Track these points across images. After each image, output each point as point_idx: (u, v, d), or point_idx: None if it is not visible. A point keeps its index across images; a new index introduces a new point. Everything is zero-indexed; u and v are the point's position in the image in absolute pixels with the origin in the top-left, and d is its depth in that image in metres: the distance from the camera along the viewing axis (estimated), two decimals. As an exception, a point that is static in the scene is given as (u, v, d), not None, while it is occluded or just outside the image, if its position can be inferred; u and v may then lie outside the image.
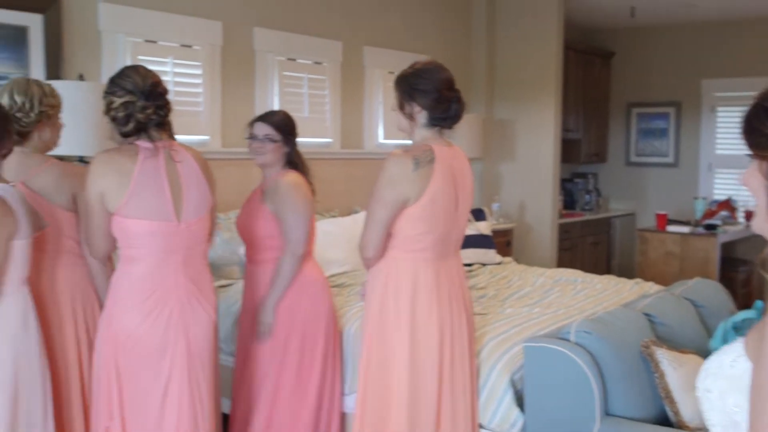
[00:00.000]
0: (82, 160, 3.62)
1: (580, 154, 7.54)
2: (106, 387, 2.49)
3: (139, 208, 2.43)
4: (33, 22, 3.69)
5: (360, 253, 2.83)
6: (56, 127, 2.78)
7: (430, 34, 6.07)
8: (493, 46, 6.52)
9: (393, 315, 2.77)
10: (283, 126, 3.14)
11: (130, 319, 2.47)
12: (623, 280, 4.44)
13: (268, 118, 3.17)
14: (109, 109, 2.48)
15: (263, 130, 3.12)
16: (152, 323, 2.47)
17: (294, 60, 4.96)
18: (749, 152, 1.17)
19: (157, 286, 2.49)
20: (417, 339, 2.76)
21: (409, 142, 2.88)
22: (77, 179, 2.65)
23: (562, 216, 6.82)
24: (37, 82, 2.74)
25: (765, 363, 1.01)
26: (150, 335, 2.48)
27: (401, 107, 2.81)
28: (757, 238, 5.10)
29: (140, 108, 2.45)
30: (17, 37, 3.65)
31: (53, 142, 2.79)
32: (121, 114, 2.45)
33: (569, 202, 7.61)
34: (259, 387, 3.09)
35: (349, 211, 5.00)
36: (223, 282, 3.93)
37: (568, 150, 7.20)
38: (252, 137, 3.14)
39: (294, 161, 3.18)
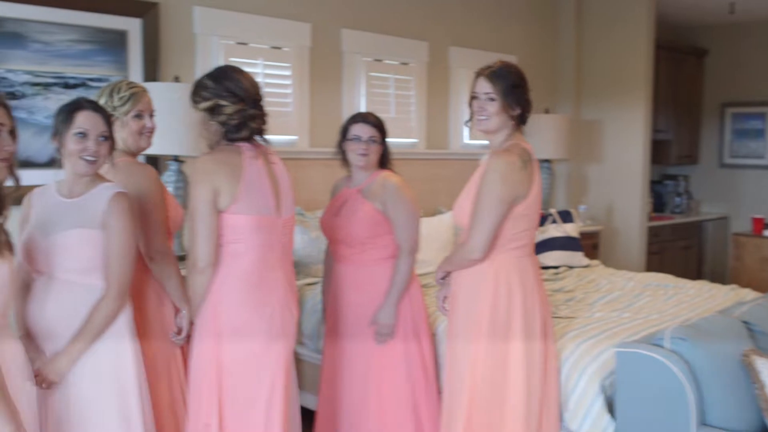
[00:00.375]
0: (177, 160, 3.74)
1: (670, 156, 7.33)
2: (207, 384, 2.52)
3: (248, 204, 2.51)
4: (132, 27, 3.83)
5: (466, 255, 2.78)
6: (127, 130, 2.70)
7: (516, 33, 6.00)
8: (581, 45, 6.40)
9: (505, 317, 2.76)
10: (382, 127, 3.20)
11: (238, 315, 2.53)
12: (717, 286, 4.29)
13: (368, 119, 3.19)
14: (219, 113, 2.54)
15: (368, 131, 3.15)
16: (258, 318, 2.54)
17: (381, 61, 4.99)
18: None
19: (262, 280, 2.56)
20: (530, 340, 2.78)
21: (486, 142, 2.92)
22: (138, 179, 2.66)
23: (651, 219, 6.64)
24: (111, 85, 2.76)
25: None
26: (257, 330, 2.53)
27: (505, 107, 2.79)
28: None
29: (252, 116, 2.55)
30: (117, 41, 3.79)
31: (133, 145, 2.73)
32: (234, 121, 2.53)
33: (658, 204, 7.40)
34: (356, 386, 3.10)
35: (433, 212, 5.00)
36: (310, 280, 3.98)
37: (658, 151, 7.00)
38: (355, 139, 3.15)
39: (386, 161, 3.23)
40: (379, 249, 3.12)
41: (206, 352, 2.53)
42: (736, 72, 7.50)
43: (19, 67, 3.49)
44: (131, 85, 2.75)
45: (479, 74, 2.85)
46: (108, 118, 2.46)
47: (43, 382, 2.30)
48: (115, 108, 2.64)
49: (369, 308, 3.11)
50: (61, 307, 2.35)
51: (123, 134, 2.67)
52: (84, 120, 2.38)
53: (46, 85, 3.57)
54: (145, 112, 2.75)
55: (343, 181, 3.29)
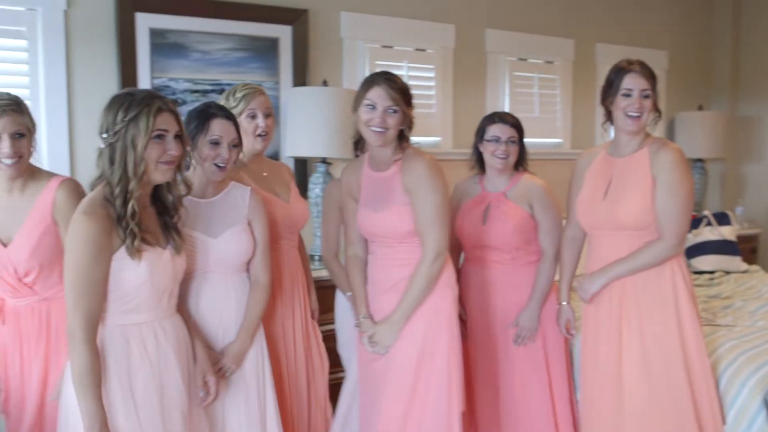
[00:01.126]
0: (325, 162, 3.85)
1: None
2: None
3: None
4: (283, 34, 3.98)
5: (665, 252, 2.68)
6: (242, 130, 2.74)
7: (666, 26, 5.75)
8: (738, 36, 6.04)
9: (692, 319, 2.72)
10: (520, 126, 3.10)
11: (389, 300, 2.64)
12: None
13: (506, 119, 3.09)
14: (411, 123, 2.68)
15: (507, 132, 3.05)
16: None
17: (525, 60, 4.93)
18: None
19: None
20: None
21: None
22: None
23: (818, 222, 6.17)
24: (231, 89, 2.88)
25: None
26: None
27: (655, 104, 2.78)
28: None
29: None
30: (269, 48, 3.95)
31: (248, 146, 2.79)
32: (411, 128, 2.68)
33: (825, 206, 6.87)
34: (518, 389, 3.05)
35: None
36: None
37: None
38: (494, 140, 3.05)
39: (523, 162, 3.14)
40: (530, 254, 3.07)
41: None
42: None
43: (180, 75, 3.71)
44: (246, 87, 2.86)
45: (629, 70, 2.76)
46: (237, 125, 2.57)
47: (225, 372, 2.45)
48: (231, 109, 2.72)
49: (514, 312, 3.05)
50: (216, 300, 2.48)
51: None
52: (218, 128, 2.49)
53: (204, 92, 3.78)
54: (258, 111, 2.82)
55: (472, 183, 3.18)
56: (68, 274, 2.00)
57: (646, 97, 2.74)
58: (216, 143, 2.48)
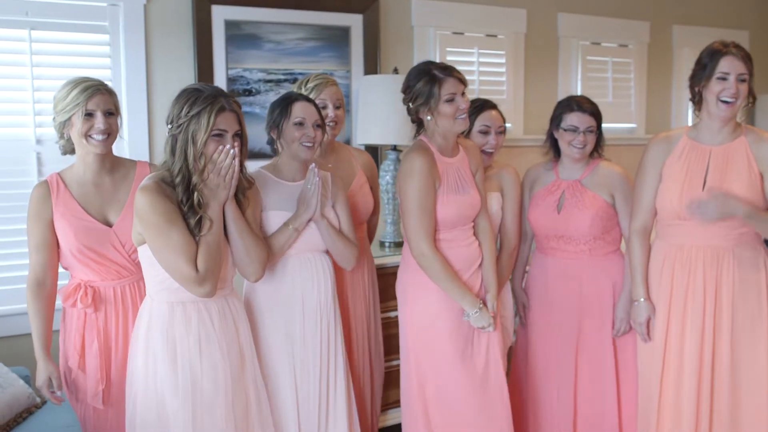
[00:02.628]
0: (396, 149, 3.89)
1: None
2: None
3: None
4: (354, 22, 4.02)
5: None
6: None
7: (747, 5, 5.55)
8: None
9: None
10: (598, 114, 3.01)
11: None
12: None
13: (584, 107, 2.98)
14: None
15: (586, 121, 2.96)
16: None
17: (598, 44, 4.85)
18: None
19: None
20: None
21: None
22: None
23: None
24: (302, 79, 3.00)
25: None
26: None
27: (751, 89, 2.72)
28: None
29: None
30: (340, 37, 4.00)
31: None
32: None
33: None
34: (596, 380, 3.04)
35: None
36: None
37: None
38: (572, 129, 2.96)
39: (599, 148, 3.06)
40: (608, 243, 3.02)
41: None
42: None
43: (254, 65, 3.80)
44: (318, 77, 2.95)
45: (726, 52, 2.66)
46: (317, 107, 2.67)
47: None
48: None
49: (600, 303, 3.00)
50: (304, 279, 2.62)
51: None
52: (300, 110, 2.60)
53: (278, 82, 3.86)
54: (328, 101, 2.91)
55: (545, 170, 3.12)
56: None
57: (743, 81, 2.66)
58: (300, 124, 2.59)
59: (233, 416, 2.32)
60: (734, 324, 2.70)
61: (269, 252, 2.50)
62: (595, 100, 3.08)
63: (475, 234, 2.84)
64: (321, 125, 2.65)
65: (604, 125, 3.06)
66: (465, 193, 2.74)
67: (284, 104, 2.62)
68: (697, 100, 2.76)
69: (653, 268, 2.85)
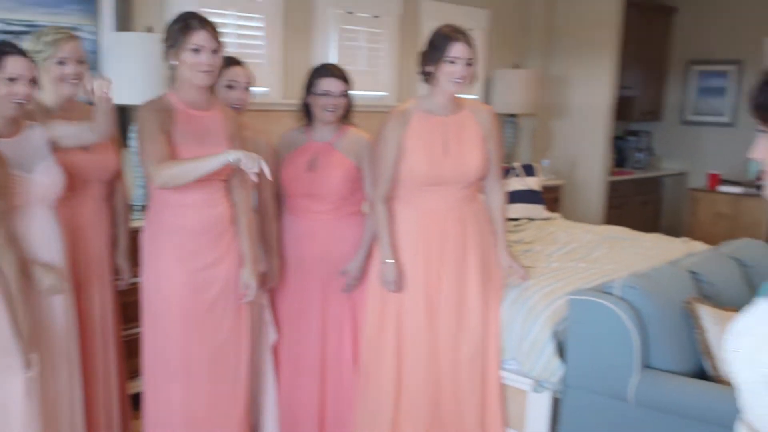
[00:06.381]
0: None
1: (634, 112, 7.48)
2: None
3: None
4: (104, -26, 3.83)
5: (504, 198, 3.27)
6: (49, 76, 2.74)
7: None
8: (553, 1, 6.49)
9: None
10: (349, 80, 3.18)
11: None
12: (671, 238, 4.50)
13: (336, 73, 3.14)
14: None
15: (338, 86, 3.11)
16: None
17: (352, 13, 5.04)
18: (761, 128, 1.23)
19: None
20: None
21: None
22: None
23: (612, 174, 6.83)
24: (39, 31, 2.81)
25: None
26: None
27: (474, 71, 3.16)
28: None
29: None
30: (88, -11, 3.80)
31: (54, 92, 2.78)
32: None
33: (620, 160, 7.58)
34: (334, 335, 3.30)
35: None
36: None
37: (623, 107, 7.14)
38: (325, 94, 3.11)
39: (349, 114, 3.23)
40: (353, 204, 3.22)
41: None
42: (703, 30, 7.63)
43: (-9, 14, 3.51)
44: (57, 31, 2.79)
45: (456, 39, 2.93)
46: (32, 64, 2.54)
47: None
48: (38, 52, 2.68)
49: (343, 262, 3.20)
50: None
51: (44, 80, 2.70)
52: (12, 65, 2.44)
53: (17, 34, 3.59)
54: (68, 57, 2.76)
55: (299, 134, 3.25)
56: None
57: (470, 65, 2.96)
58: (12, 80, 2.44)
59: None
60: (481, 276, 3.11)
61: None
62: (349, 68, 3.27)
63: (228, 197, 2.86)
64: (33, 81, 2.51)
65: (358, 92, 3.25)
66: (210, 146, 2.71)
67: None
68: (427, 77, 3.04)
69: (406, 231, 3.10)
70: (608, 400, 2.90)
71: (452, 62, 2.93)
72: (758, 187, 5.31)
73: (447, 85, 2.97)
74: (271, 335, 3.19)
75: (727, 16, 7.45)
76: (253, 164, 2.56)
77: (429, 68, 2.99)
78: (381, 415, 3.10)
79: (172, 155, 2.64)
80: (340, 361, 3.25)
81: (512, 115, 6.00)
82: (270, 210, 3.15)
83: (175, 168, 2.59)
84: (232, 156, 2.58)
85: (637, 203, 7.22)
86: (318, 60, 4.70)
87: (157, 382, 2.79)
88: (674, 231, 7.06)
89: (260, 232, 3.11)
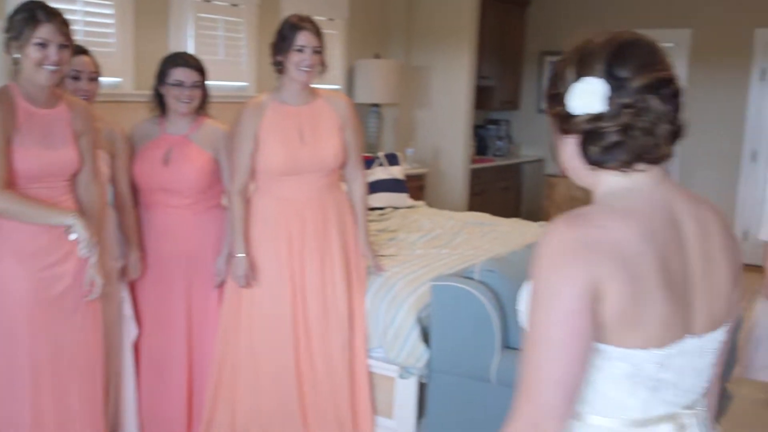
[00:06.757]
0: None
1: (493, 101, 7.72)
2: None
3: None
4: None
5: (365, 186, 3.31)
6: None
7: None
8: (411, -8, 6.58)
9: None
10: (203, 70, 3.10)
11: None
12: (529, 223, 4.68)
13: (190, 62, 3.07)
14: None
15: (191, 76, 3.04)
16: None
17: (209, 1, 4.90)
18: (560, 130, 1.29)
19: None
20: None
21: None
22: None
23: (474, 161, 7.02)
24: None
25: (534, 276, 1.18)
26: None
27: (323, 59, 3.17)
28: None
29: None
30: None
31: None
32: None
33: (481, 148, 7.81)
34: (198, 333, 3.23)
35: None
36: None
37: (483, 97, 7.36)
38: (178, 84, 3.03)
39: (204, 105, 3.16)
40: (211, 198, 3.14)
41: None
42: (555, 22, 7.96)
43: None
44: None
45: (302, 27, 2.96)
46: None
47: None
48: None
49: (205, 257, 3.12)
50: None
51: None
52: None
53: None
54: None
55: (152, 125, 3.14)
56: None
57: (317, 53, 2.97)
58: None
59: None
60: (345, 264, 3.13)
61: None
62: (207, 57, 3.19)
63: (72, 194, 2.67)
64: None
65: (216, 83, 3.18)
66: (53, 148, 2.56)
67: None
68: (279, 67, 3.03)
69: (265, 221, 3.06)
70: (472, 381, 2.98)
71: (300, 51, 2.95)
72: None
73: (296, 74, 2.98)
74: (131, 331, 3.07)
75: (575, 9, 7.81)
76: (85, 249, 2.50)
77: (279, 58, 3.00)
78: (235, 406, 3.08)
79: (12, 160, 2.44)
80: (207, 356, 3.16)
81: (375, 105, 6.04)
82: (127, 203, 3.03)
83: (10, 204, 2.42)
84: (69, 221, 2.48)
85: (498, 189, 7.46)
86: (175, 49, 4.55)
87: (2, 382, 2.61)
88: (533, 215, 7.37)
89: (118, 226, 2.99)
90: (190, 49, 4.69)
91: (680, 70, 7.37)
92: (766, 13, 6.92)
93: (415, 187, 5.86)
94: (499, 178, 7.49)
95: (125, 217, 3.02)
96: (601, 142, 1.19)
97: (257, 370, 3.08)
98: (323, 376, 3.08)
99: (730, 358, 3.81)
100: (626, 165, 1.20)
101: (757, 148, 7.16)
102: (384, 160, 5.20)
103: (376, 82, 5.89)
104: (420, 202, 5.29)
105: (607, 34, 1.27)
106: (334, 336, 3.08)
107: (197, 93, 3.07)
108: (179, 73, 3.02)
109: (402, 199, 5.04)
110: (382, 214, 4.73)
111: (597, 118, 1.19)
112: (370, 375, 3.21)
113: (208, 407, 3.12)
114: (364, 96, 5.90)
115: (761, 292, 3.16)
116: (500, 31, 7.54)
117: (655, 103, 1.17)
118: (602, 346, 1.18)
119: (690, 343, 1.22)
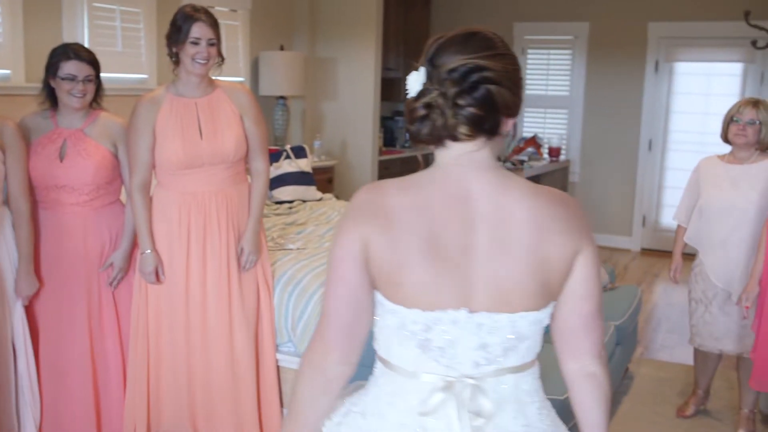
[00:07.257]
0: None
1: (400, 93, 7.75)
2: None
3: None
4: None
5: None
6: None
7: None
8: (315, -17, 6.52)
9: None
10: (97, 63, 2.98)
11: None
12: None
13: (82, 55, 2.92)
14: None
15: (84, 70, 2.90)
16: None
17: (104, -9, 4.72)
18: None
19: None
20: None
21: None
22: None
23: (382, 153, 7.03)
24: None
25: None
26: None
27: (219, 50, 3.07)
28: (559, 172, 5.50)
29: None
30: None
31: None
32: None
33: (389, 139, 7.84)
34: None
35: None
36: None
37: (389, 88, 7.38)
38: (70, 78, 2.88)
39: (99, 98, 3.04)
40: (110, 193, 3.03)
41: None
42: (459, 14, 8.05)
43: None
44: None
45: (197, 19, 2.90)
46: None
47: None
48: None
49: (106, 255, 3.01)
50: None
51: None
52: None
53: None
54: None
55: (43, 119, 2.99)
56: None
57: (213, 44, 2.93)
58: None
59: None
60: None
61: None
62: (103, 49, 3.06)
63: None
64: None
65: (114, 75, 3.06)
66: None
67: None
68: (175, 59, 2.95)
69: (167, 217, 2.97)
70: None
71: (195, 43, 2.89)
72: (514, 162, 5.75)
73: (192, 66, 2.92)
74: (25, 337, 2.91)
75: (479, 2, 7.93)
76: None
77: (175, 50, 2.93)
78: (143, 404, 3.01)
79: None
80: (108, 358, 3.05)
81: (282, 98, 5.97)
82: (21, 207, 2.85)
83: None
84: None
85: (405, 180, 7.48)
86: (68, 40, 4.35)
87: None
88: (441, 206, 7.44)
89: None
90: (85, 40, 4.50)
91: (579, 62, 7.62)
92: (659, 7, 7.21)
93: (323, 179, 5.82)
94: (407, 170, 7.52)
95: (18, 228, 2.85)
96: (412, 117, 1.36)
97: (158, 373, 3.00)
98: (222, 375, 3.02)
99: (631, 340, 3.96)
100: (433, 140, 1.36)
101: (653, 137, 7.46)
102: (291, 153, 5.14)
103: (281, 74, 5.81)
104: (328, 195, 5.26)
105: (458, 29, 1.42)
106: (237, 332, 3.02)
107: (90, 87, 2.94)
108: (71, 67, 2.88)
109: (310, 192, 4.99)
110: (290, 207, 4.68)
111: (414, 99, 1.36)
112: (279, 369, 3.17)
113: (127, 409, 3.04)
114: (269, 88, 5.82)
115: (664, 275, 3.28)
116: (405, 23, 7.57)
117: (457, 87, 1.31)
118: (379, 297, 1.37)
119: (465, 316, 1.32)
